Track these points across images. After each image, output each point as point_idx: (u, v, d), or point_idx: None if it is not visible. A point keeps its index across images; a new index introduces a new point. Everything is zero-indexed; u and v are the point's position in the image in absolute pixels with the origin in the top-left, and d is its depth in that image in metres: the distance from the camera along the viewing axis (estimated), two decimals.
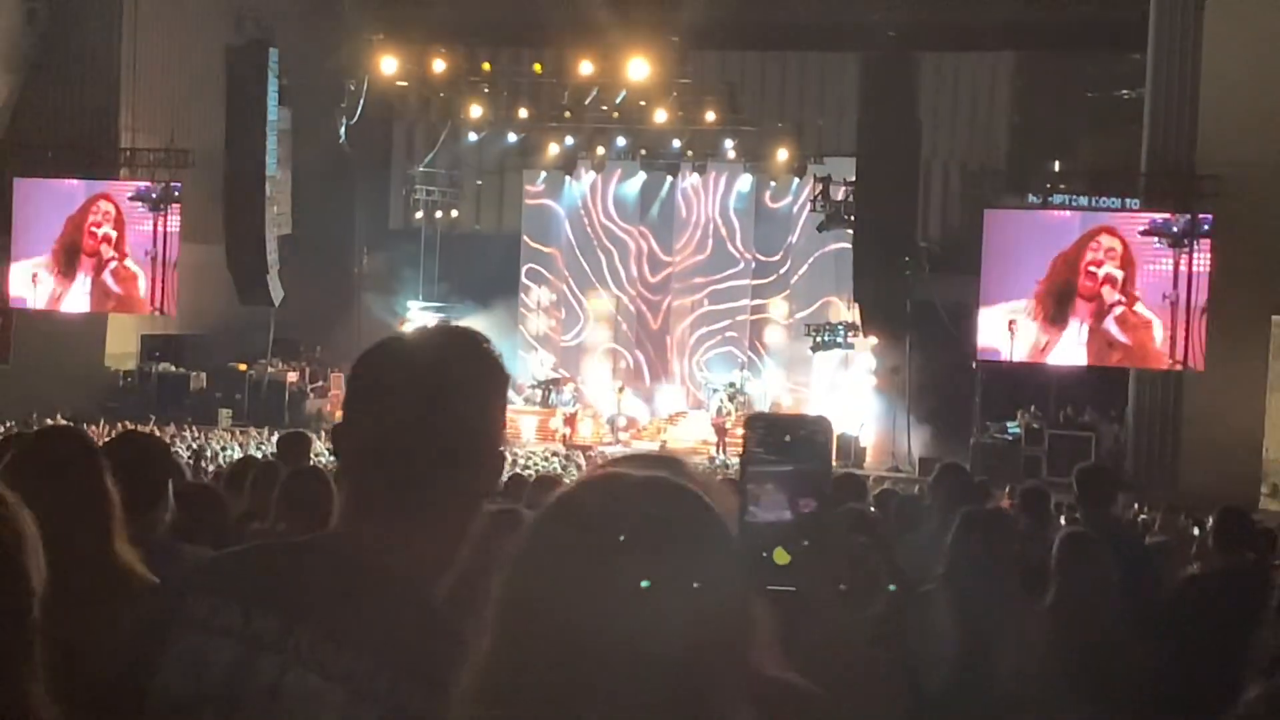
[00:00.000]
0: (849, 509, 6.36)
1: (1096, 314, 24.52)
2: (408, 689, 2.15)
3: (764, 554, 2.00)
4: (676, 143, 31.37)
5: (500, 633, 1.70)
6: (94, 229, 28.56)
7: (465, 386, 2.39)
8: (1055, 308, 24.71)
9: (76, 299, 28.77)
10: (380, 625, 2.22)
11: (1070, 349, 24.73)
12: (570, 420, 30.20)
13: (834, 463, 2.18)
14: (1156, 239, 24.13)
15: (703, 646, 1.65)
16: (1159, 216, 24.22)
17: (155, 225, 28.17)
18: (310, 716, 2.20)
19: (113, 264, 28.55)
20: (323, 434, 17.53)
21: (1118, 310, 24.47)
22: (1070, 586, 5.56)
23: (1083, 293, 24.55)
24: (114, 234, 28.51)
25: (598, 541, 1.67)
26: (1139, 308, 24.34)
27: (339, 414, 2.53)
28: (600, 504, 1.73)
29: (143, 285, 28.35)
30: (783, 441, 2.08)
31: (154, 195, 28.07)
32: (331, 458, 2.54)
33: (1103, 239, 24.49)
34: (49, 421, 23.64)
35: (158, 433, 23.74)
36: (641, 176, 32.89)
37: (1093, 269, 24.49)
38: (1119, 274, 24.36)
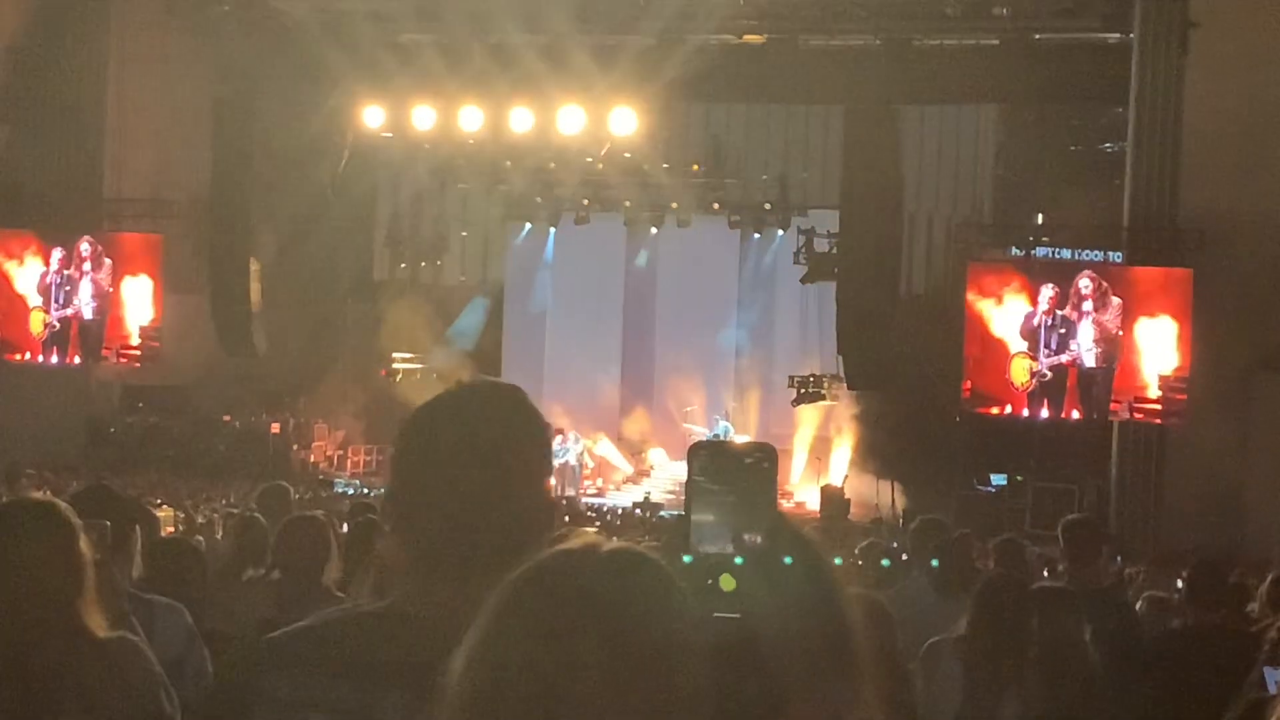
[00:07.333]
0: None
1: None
2: None
3: (709, 580, 2.01)
4: (660, 195, 31.38)
5: (460, 709, 1.71)
6: (51, 275, 28.75)
7: (517, 443, 2.45)
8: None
9: (49, 342, 28.85)
10: None
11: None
12: (559, 472, 30.18)
13: (784, 496, 2.19)
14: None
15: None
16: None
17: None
18: None
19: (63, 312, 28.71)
20: (304, 485, 17.48)
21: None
22: (1047, 642, 5.56)
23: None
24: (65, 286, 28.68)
25: (557, 618, 1.68)
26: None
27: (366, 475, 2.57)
28: (563, 579, 1.73)
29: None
30: (727, 470, 2.08)
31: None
32: (385, 523, 2.59)
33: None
34: (29, 471, 23.59)
35: (137, 482, 23.66)
36: (626, 229, 32.94)
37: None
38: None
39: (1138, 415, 24.45)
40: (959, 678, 5.70)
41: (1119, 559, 17.59)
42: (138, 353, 28.53)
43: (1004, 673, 5.58)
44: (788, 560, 2.06)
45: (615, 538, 1.95)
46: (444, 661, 2.26)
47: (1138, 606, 8.70)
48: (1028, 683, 5.55)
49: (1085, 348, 24.61)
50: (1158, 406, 24.19)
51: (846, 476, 28.43)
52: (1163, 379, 24.10)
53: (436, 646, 2.29)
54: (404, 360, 31.81)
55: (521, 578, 1.76)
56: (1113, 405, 24.55)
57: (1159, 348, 24.23)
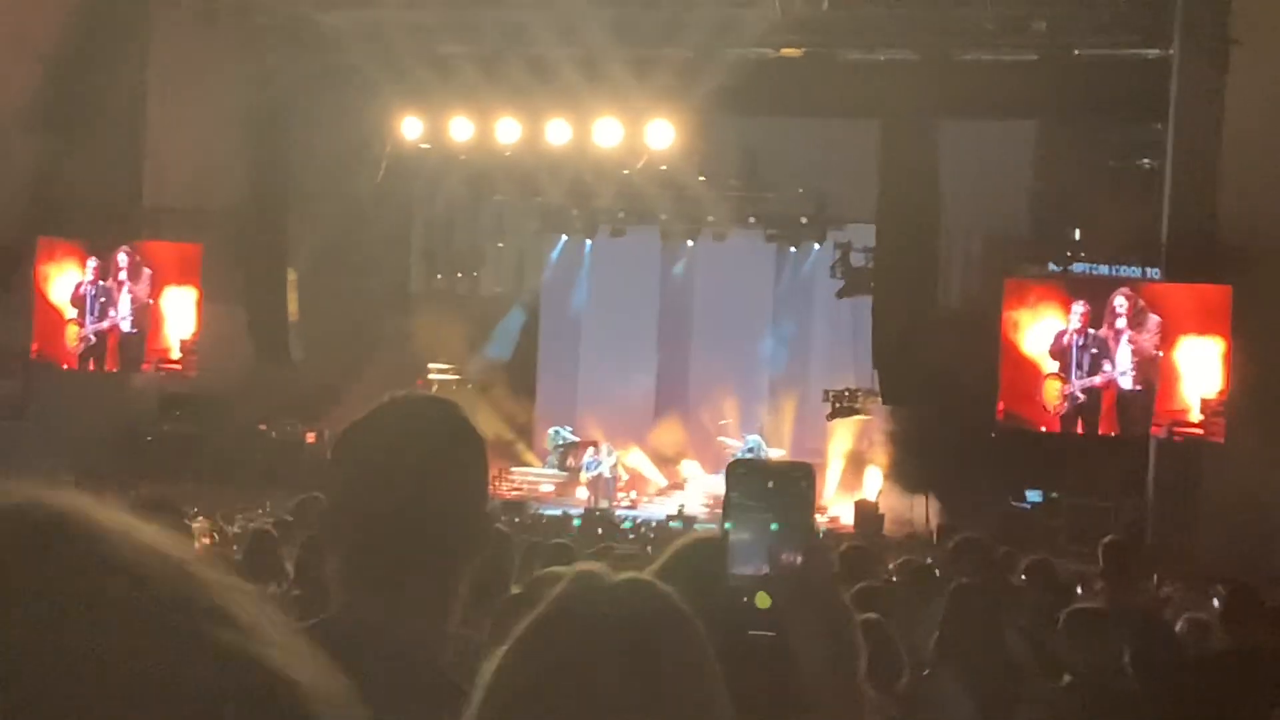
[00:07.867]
0: (862, 588, 6.33)
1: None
2: None
3: (745, 598, 2.00)
4: (697, 208, 31.39)
5: None
6: (86, 286, 28.81)
7: (447, 459, 2.46)
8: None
9: (85, 354, 28.94)
10: (396, 699, 2.26)
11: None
12: (592, 484, 30.29)
13: (818, 511, 2.16)
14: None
15: None
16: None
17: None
18: None
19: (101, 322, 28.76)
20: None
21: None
22: (1082, 665, 5.52)
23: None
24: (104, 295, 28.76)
25: (570, 655, 1.67)
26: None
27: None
28: (578, 618, 1.72)
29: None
30: (765, 489, 2.06)
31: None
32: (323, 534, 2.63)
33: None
34: (67, 478, 23.66)
35: (174, 492, 23.71)
36: (662, 242, 32.95)
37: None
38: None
39: (1178, 440, 24.26)
40: (964, 699, 5.64)
41: (1155, 577, 17.49)
42: (179, 367, 28.59)
43: (999, 683, 5.52)
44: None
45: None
46: (372, 675, 2.28)
47: (1177, 628, 8.63)
48: (1067, 706, 5.50)
49: (1121, 370, 24.44)
50: (1199, 431, 23.99)
51: (881, 491, 28.34)
52: (1205, 402, 23.89)
53: (366, 662, 2.32)
54: (440, 371, 31.85)
55: (535, 613, 1.75)
56: (1153, 429, 24.36)
57: (1201, 369, 24.02)
